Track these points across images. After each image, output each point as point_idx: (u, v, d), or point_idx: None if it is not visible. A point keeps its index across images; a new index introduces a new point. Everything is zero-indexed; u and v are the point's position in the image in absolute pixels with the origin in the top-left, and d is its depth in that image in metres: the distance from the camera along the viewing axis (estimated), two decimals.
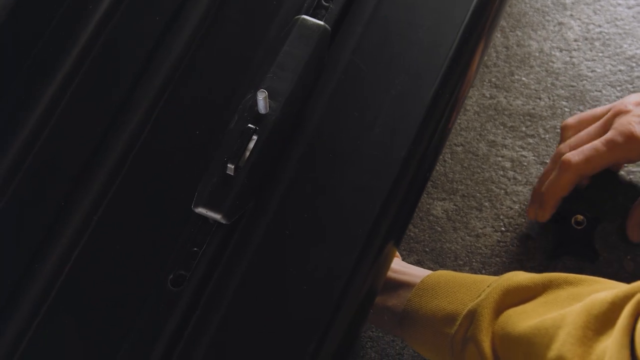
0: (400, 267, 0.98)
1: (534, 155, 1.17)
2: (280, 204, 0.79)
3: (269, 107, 0.80)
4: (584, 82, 1.21)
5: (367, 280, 0.77)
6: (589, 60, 1.22)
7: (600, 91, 1.20)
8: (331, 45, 0.84)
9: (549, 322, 0.79)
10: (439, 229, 1.14)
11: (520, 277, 0.87)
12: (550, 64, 1.22)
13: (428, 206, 1.15)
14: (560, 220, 1.11)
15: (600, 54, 1.22)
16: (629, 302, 0.73)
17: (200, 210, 0.78)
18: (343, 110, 0.82)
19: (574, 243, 1.10)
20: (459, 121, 1.19)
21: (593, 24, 1.24)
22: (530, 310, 0.83)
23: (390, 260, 0.82)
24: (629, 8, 1.25)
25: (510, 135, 1.18)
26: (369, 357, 1.08)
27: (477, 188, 1.16)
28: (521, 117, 1.19)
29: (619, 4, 1.25)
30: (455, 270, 1.11)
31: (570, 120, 1.12)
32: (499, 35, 1.24)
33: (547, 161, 1.16)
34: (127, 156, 0.80)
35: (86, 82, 0.83)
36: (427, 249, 1.13)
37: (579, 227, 1.10)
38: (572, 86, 1.21)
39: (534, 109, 1.20)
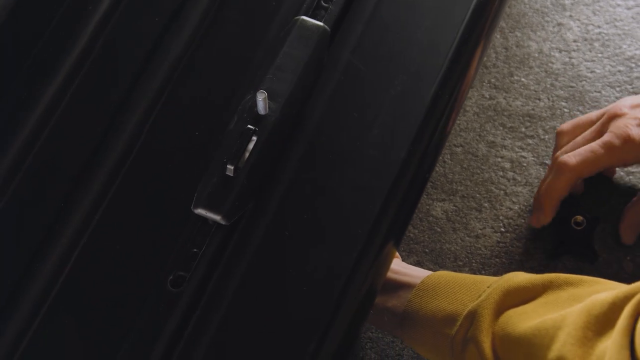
0: (400, 268, 0.98)
1: (533, 156, 1.17)
2: (280, 205, 0.79)
3: (269, 108, 0.80)
4: (583, 82, 1.21)
5: (366, 281, 0.77)
6: (588, 61, 1.22)
7: (599, 92, 1.20)
8: (331, 45, 0.84)
9: (549, 323, 0.79)
10: (439, 229, 1.14)
11: (520, 277, 0.87)
12: (550, 64, 1.22)
13: (428, 207, 1.15)
14: (560, 220, 1.11)
15: (600, 55, 1.22)
16: (629, 303, 0.73)
17: (200, 211, 0.77)
18: (342, 111, 0.82)
19: (573, 244, 1.10)
20: (458, 122, 1.19)
21: (592, 24, 1.24)
22: (531, 310, 0.83)
23: (390, 261, 0.82)
24: (628, 9, 1.25)
25: (509, 136, 1.18)
26: (368, 358, 1.07)
27: (476, 189, 1.16)
28: (520, 117, 1.19)
29: (618, 5, 1.25)
30: (455, 271, 1.11)
31: (565, 126, 1.12)
32: (498, 36, 1.24)
33: (547, 162, 1.16)
34: (126, 156, 0.80)
35: (86, 82, 0.83)
36: (426, 250, 1.13)
37: (579, 228, 1.10)
38: (572, 87, 1.21)
39: (533, 109, 1.20)
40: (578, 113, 1.19)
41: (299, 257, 0.77)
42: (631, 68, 1.21)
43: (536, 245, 1.12)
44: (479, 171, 1.17)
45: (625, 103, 1.07)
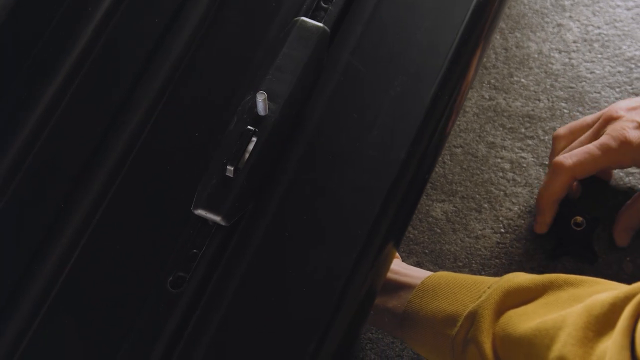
0: (400, 269, 0.98)
1: (533, 157, 1.17)
2: (280, 206, 0.79)
3: (268, 108, 0.80)
4: (583, 83, 1.21)
5: (366, 281, 0.77)
6: (588, 62, 1.22)
7: (599, 92, 1.20)
8: (330, 46, 0.84)
9: (549, 323, 0.79)
10: (439, 230, 1.14)
11: (520, 278, 0.87)
12: (550, 65, 1.22)
13: (427, 208, 1.15)
14: (560, 221, 1.11)
15: (599, 56, 1.22)
16: (629, 303, 0.73)
17: (200, 212, 0.77)
18: (342, 112, 0.82)
19: (573, 244, 1.10)
20: (458, 122, 1.19)
21: (592, 25, 1.24)
22: (531, 311, 0.83)
23: (389, 261, 0.82)
24: (628, 9, 1.25)
25: (509, 137, 1.18)
26: (368, 359, 1.07)
27: (476, 189, 1.16)
28: (520, 118, 1.19)
29: (618, 6, 1.25)
30: (454, 271, 1.10)
31: (561, 130, 1.12)
32: (498, 37, 1.24)
33: (547, 163, 1.16)
34: (127, 156, 0.80)
35: (86, 82, 0.83)
36: (426, 251, 1.13)
37: (578, 229, 1.10)
38: (571, 87, 1.21)
39: (533, 110, 1.20)
40: (578, 114, 1.19)
41: (299, 257, 0.77)
42: (631, 69, 1.21)
43: (536, 246, 1.12)
44: (478, 172, 1.17)
45: (621, 106, 1.07)
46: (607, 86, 1.20)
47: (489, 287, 0.88)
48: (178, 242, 0.77)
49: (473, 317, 0.86)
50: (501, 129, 1.19)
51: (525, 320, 0.83)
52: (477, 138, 1.18)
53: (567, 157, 1.06)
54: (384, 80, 0.83)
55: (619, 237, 1.10)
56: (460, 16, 0.85)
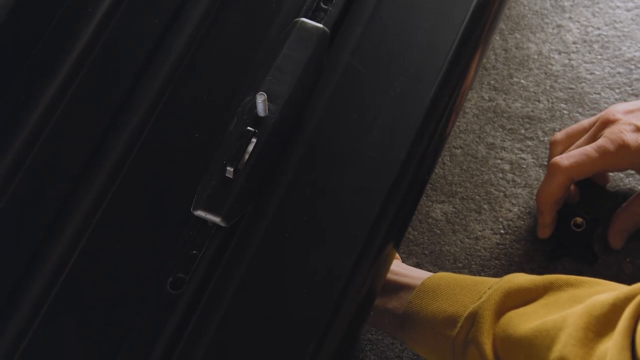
0: (400, 269, 0.98)
1: (532, 158, 1.17)
2: (280, 207, 0.79)
3: (268, 109, 0.80)
4: (583, 84, 1.21)
5: (366, 282, 0.77)
6: (587, 63, 1.22)
7: (599, 93, 1.20)
8: (330, 47, 0.84)
9: (550, 324, 0.79)
10: (438, 231, 1.14)
11: (521, 279, 0.87)
12: (549, 66, 1.22)
13: (427, 209, 1.15)
14: (560, 222, 1.11)
15: (599, 57, 1.22)
16: (630, 304, 0.73)
17: (200, 213, 0.77)
18: (342, 112, 0.82)
19: (573, 245, 1.10)
20: (457, 123, 1.19)
21: (592, 26, 1.24)
22: (532, 312, 0.83)
23: (389, 262, 0.82)
24: (628, 10, 1.25)
25: (509, 138, 1.18)
26: None
27: (476, 190, 1.16)
28: (520, 119, 1.19)
29: (618, 7, 1.25)
30: (454, 272, 1.10)
31: (558, 135, 1.12)
32: (497, 38, 1.24)
33: (546, 165, 1.16)
34: (126, 157, 0.80)
35: (86, 82, 0.83)
36: (426, 252, 1.13)
37: (578, 230, 1.10)
38: (571, 88, 1.21)
39: (532, 111, 1.20)
40: (577, 115, 1.19)
41: (299, 258, 0.77)
42: (631, 70, 1.21)
43: (536, 247, 1.12)
44: (478, 173, 1.17)
45: (619, 109, 1.07)
46: (607, 87, 1.20)
47: (489, 288, 0.88)
48: (178, 243, 0.77)
49: (473, 318, 0.86)
50: (501, 130, 1.19)
51: (526, 321, 0.83)
52: (477, 139, 1.18)
53: (564, 158, 1.06)
54: (383, 81, 0.83)
55: (614, 240, 1.10)
56: (460, 17, 0.85)
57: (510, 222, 1.14)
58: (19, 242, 0.78)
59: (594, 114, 1.17)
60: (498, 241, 1.13)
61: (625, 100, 1.19)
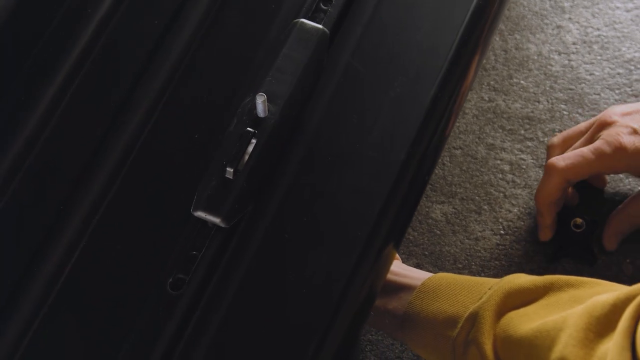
0: (401, 270, 0.98)
1: (532, 159, 1.17)
2: (279, 208, 0.79)
3: (268, 110, 0.80)
4: (583, 85, 1.21)
5: (366, 283, 0.77)
6: (587, 64, 1.22)
7: (598, 94, 1.20)
8: (330, 48, 0.84)
9: (550, 325, 0.79)
10: (438, 232, 1.14)
11: (521, 279, 0.87)
12: (549, 67, 1.22)
13: (427, 209, 1.15)
14: (559, 223, 1.11)
15: (599, 57, 1.22)
16: (630, 305, 0.73)
17: (200, 213, 0.77)
18: (342, 113, 0.82)
19: (572, 246, 1.10)
20: (457, 124, 1.19)
21: (591, 27, 1.24)
22: (532, 312, 0.83)
23: (389, 263, 0.81)
24: (628, 11, 1.25)
25: (509, 139, 1.18)
26: None
27: (476, 191, 1.15)
28: (520, 120, 1.19)
29: (617, 7, 1.25)
30: (454, 273, 1.10)
31: (555, 139, 1.12)
32: (497, 39, 1.24)
33: None
34: (127, 157, 0.80)
35: (86, 82, 0.83)
36: (426, 253, 1.13)
37: (578, 230, 1.10)
38: (571, 89, 1.21)
39: (532, 112, 1.20)
40: (577, 115, 1.19)
41: (299, 259, 0.77)
42: (630, 70, 1.21)
43: (536, 247, 1.12)
44: (478, 174, 1.17)
45: (616, 111, 1.07)
46: (607, 88, 1.20)
47: (489, 289, 0.88)
48: (177, 244, 0.77)
49: (474, 319, 0.86)
50: (501, 130, 1.19)
51: (526, 321, 0.83)
52: (477, 140, 1.18)
53: (560, 160, 1.06)
54: (383, 82, 0.83)
55: (608, 241, 1.10)
56: (460, 18, 0.85)
57: (510, 223, 1.14)
58: (19, 242, 0.78)
59: (594, 115, 1.17)
60: (498, 242, 1.13)
61: (625, 101, 1.19)
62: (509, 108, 1.20)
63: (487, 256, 1.12)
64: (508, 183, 1.16)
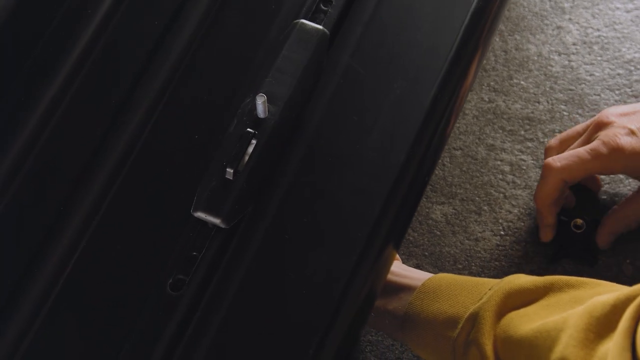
0: (401, 270, 0.98)
1: (532, 159, 1.17)
2: (279, 208, 0.78)
3: (268, 111, 0.80)
4: (583, 85, 1.21)
5: (366, 283, 0.77)
6: (587, 64, 1.22)
7: (598, 95, 1.20)
8: (330, 49, 0.84)
9: (551, 325, 0.79)
10: (438, 233, 1.14)
11: (522, 280, 0.87)
12: (549, 67, 1.22)
13: (427, 210, 1.15)
14: (560, 223, 1.11)
15: (599, 58, 1.22)
16: (630, 305, 0.73)
17: (200, 214, 0.77)
18: (342, 114, 0.82)
19: (573, 246, 1.10)
20: (457, 125, 1.19)
21: (592, 27, 1.24)
22: (532, 313, 0.83)
23: (390, 263, 0.82)
24: (628, 12, 1.25)
25: (509, 139, 1.18)
26: None
27: (476, 192, 1.15)
28: (520, 121, 1.19)
29: (618, 8, 1.25)
30: (454, 274, 1.10)
31: (553, 141, 1.12)
32: (497, 39, 1.24)
33: None
34: (127, 158, 0.80)
35: (86, 82, 0.83)
36: (426, 253, 1.13)
37: (578, 231, 1.10)
38: (571, 90, 1.21)
39: (532, 112, 1.20)
40: (577, 116, 1.19)
41: (299, 260, 0.77)
42: (630, 71, 1.21)
43: (536, 248, 1.12)
44: (478, 174, 1.16)
45: (613, 112, 1.07)
46: (607, 88, 1.20)
47: (490, 289, 0.88)
48: (178, 244, 0.77)
49: (474, 319, 0.86)
50: (501, 131, 1.19)
51: (527, 322, 0.83)
52: (477, 140, 1.18)
53: (556, 160, 1.06)
54: (383, 83, 0.83)
55: (602, 240, 1.10)
56: (460, 19, 0.85)
57: (510, 224, 1.13)
58: (20, 242, 0.78)
59: (594, 116, 1.17)
60: (498, 242, 1.13)
61: (625, 102, 1.19)
62: (509, 109, 1.20)
63: (487, 257, 1.12)
64: (508, 184, 1.16)
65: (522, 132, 1.19)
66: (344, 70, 0.83)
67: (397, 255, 1.05)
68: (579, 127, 1.10)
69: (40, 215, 0.78)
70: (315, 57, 0.82)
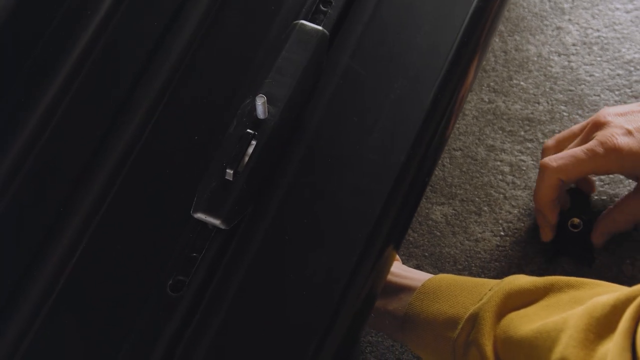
0: (401, 271, 0.98)
1: (532, 160, 1.17)
2: (279, 209, 0.78)
3: (268, 112, 0.79)
4: (583, 86, 1.21)
5: (366, 284, 0.77)
6: (587, 65, 1.22)
7: (598, 95, 1.20)
8: (330, 49, 0.84)
9: (551, 326, 0.79)
10: (438, 233, 1.14)
11: (522, 280, 0.87)
12: (549, 68, 1.22)
13: (427, 211, 1.15)
14: (557, 223, 1.11)
15: (599, 58, 1.22)
16: (630, 305, 0.73)
17: (200, 215, 0.77)
18: (342, 115, 0.82)
19: (570, 246, 1.10)
20: (457, 125, 1.19)
21: (591, 28, 1.24)
22: (532, 313, 0.83)
23: (390, 264, 0.81)
24: (627, 12, 1.25)
25: (509, 140, 1.18)
26: None
27: (476, 192, 1.15)
28: (520, 121, 1.19)
29: (617, 9, 1.25)
30: (454, 274, 1.10)
31: (549, 142, 1.12)
32: (497, 40, 1.24)
33: None
34: (127, 158, 0.80)
35: (86, 82, 0.83)
36: (426, 254, 1.13)
37: (576, 230, 1.10)
38: (571, 90, 1.21)
39: (532, 113, 1.20)
40: (577, 117, 1.19)
41: (299, 261, 0.77)
42: (630, 72, 1.21)
43: (536, 249, 1.12)
44: (478, 175, 1.17)
45: (610, 111, 1.07)
46: (607, 89, 1.20)
47: (490, 290, 0.88)
48: (177, 245, 0.77)
49: (474, 320, 0.86)
50: (501, 132, 1.19)
51: (527, 322, 0.82)
52: (477, 141, 1.18)
53: (552, 159, 1.06)
54: (383, 84, 0.83)
55: (597, 240, 1.10)
56: (460, 19, 0.85)
57: (510, 224, 1.13)
58: (20, 242, 0.78)
59: (591, 117, 1.17)
60: (498, 243, 1.13)
61: (625, 102, 1.19)
62: (509, 109, 1.20)
63: (487, 257, 1.12)
64: (508, 184, 1.16)
65: (522, 133, 1.19)
66: (344, 70, 0.83)
67: (397, 256, 1.05)
68: (576, 127, 1.10)
69: (40, 215, 0.78)
70: (315, 57, 0.82)
